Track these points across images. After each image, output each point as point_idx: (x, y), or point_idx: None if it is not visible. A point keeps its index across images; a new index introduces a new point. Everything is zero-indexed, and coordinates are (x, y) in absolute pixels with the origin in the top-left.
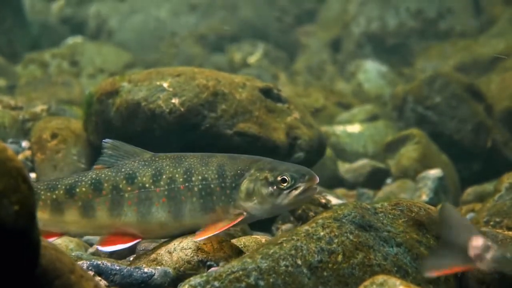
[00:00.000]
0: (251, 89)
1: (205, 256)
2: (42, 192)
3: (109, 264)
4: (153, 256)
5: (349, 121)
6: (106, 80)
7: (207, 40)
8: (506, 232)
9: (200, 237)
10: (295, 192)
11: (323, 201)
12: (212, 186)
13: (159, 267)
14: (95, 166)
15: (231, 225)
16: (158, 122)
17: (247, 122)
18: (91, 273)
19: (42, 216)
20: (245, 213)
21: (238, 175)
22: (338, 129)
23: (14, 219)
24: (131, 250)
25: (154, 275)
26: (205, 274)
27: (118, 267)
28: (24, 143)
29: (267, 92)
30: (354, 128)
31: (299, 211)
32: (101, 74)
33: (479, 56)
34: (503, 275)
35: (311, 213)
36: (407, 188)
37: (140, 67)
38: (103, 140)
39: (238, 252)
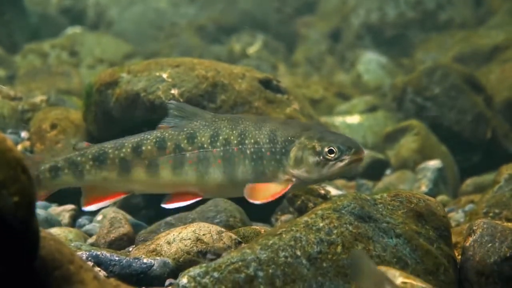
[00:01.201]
0: (250, 80)
1: (204, 246)
2: (110, 151)
3: (108, 254)
4: (153, 246)
5: (349, 112)
6: (106, 70)
7: (207, 31)
8: (505, 223)
9: (256, 201)
10: (341, 164)
11: (323, 192)
12: (263, 150)
13: (158, 258)
14: (159, 126)
15: (284, 191)
16: (157, 112)
17: (246, 112)
18: (90, 263)
19: (110, 175)
20: (294, 179)
21: (288, 142)
22: (338, 120)
23: (13, 210)
24: (130, 241)
25: (153, 265)
26: (204, 264)
27: (117, 258)
28: (24, 134)
29: (266, 83)
30: (354, 119)
31: (299, 202)
32: (101, 64)
33: (478, 47)
34: (502, 266)
35: (311, 204)
36: (407, 179)
37: (139, 57)
38: (168, 101)
39: (237, 243)
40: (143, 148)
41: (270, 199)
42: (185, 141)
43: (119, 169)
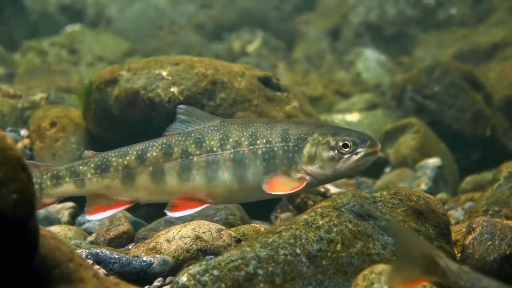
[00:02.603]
0: (250, 77)
1: (204, 244)
2: (113, 159)
3: (108, 252)
4: (152, 244)
5: (348, 110)
6: (105, 68)
7: (206, 28)
8: (504, 221)
9: (274, 191)
10: (356, 157)
11: (322, 190)
12: (275, 149)
13: (158, 256)
14: (166, 133)
15: (298, 188)
16: (157, 110)
17: (246, 110)
18: (90, 261)
19: (113, 183)
20: (307, 177)
21: (301, 139)
22: (337, 117)
23: (13, 208)
24: (130, 239)
25: (153, 263)
26: (204, 262)
27: (117, 256)
28: (23, 132)
29: (266, 81)
30: (353, 116)
31: (298, 200)
32: (100, 62)
33: (478, 45)
34: (502, 264)
35: (310, 202)
36: (406, 177)
37: (139, 55)
38: (178, 106)
39: (237, 241)
40: (148, 154)
41: (289, 192)
42: (193, 146)
43: (122, 177)
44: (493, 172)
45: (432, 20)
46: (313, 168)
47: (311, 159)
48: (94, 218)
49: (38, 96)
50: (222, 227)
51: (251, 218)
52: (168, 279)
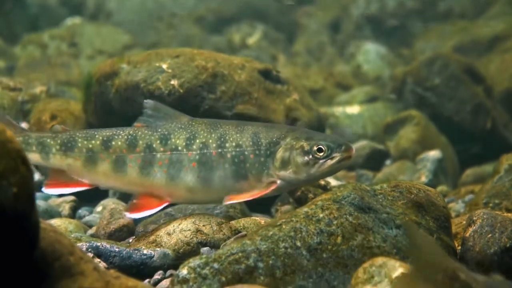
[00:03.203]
0: (250, 70)
1: (204, 237)
2: (80, 140)
3: (108, 246)
4: (152, 238)
5: (349, 102)
6: (105, 61)
7: (206, 21)
8: (505, 214)
9: (231, 201)
10: (331, 162)
11: (323, 182)
12: (246, 153)
13: (158, 249)
14: (135, 124)
15: (265, 192)
16: None
17: (246, 103)
18: (90, 255)
19: (75, 164)
20: (278, 182)
21: (274, 143)
22: (338, 110)
23: (13, 201)
24: (130, 232)
25: (153, 256)
26: (204, 255)
27: (117, 249)
28: (23, 125)
29: (266, 74)
30: (354, 109)
31: (299, 193)
32: (100, 55)
33: (478, 37)
34: (502, 256)
35: (310, 195)
36: (406, 170)
37: (139, 48)
38: (145, 100)
39: (237, 234)
40: (113, 142)
41: (247, 199)
42: (158, 142)
43: (84, 159)
44: (493, 164)
45: (432, 12)
46: (286, 173)
47: (285, 164)
48: (50, 192)
49: (38, 89)
50: (223, 220)
51: (252, 211)
52: (169, 272)
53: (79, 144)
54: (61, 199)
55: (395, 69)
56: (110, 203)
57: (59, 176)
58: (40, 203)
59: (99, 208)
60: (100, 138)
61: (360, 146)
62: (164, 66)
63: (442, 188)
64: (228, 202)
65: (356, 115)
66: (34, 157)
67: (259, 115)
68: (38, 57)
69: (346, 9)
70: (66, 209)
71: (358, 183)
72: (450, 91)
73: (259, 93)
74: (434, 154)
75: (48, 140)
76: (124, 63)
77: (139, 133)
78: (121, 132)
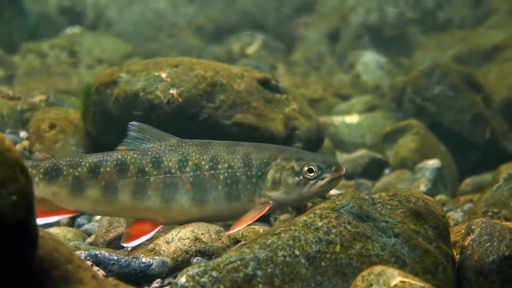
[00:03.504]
0: (249, 79)
1: (203, 246)
2: (64, 168)
3: (107, 254)
4: (151, 246)
5: (348, 112)
6: (105, 70)
7: (206, 30)
8: (504, 223)
9: (234, 230)
10: (321, 182)
11: None
12: (238, 174)
13: (157, 257)
14: (119, 147)
15: (260, 214)
16: (156, 112)
17: (245, 112)
18: (89, 263)
19: (61, 192)
20: (271, 202)
21: (265, 164)
22: (337, 119)
23: (12, 210)
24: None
25: (152, 265)
26: (203, 264)
27: (116, 257)
28: (22, 133)
29: (265, 83)
30: (353, 118)
31: None
32: (100, 64)
33: (477, 47)
34: (501, 265)
35: (309, 203)
36: (405, 179)
37: (138, 57)
38: (129, 123)
39: (236, 242)
40: (102, 169)
41: (246, 224)
42: (150, 165)
43: (71, 187)
44: (492, 173)
45: (432, 22)
46: (277, 194)
47: (276, 184)
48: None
49: (38, 98)
50: (221, 228)
51: None
52: (167, 280)
53: (64, 173)
54: None
55: (394, 79)
56: None
57: (41, 204)
58: None
59: (98, 217)
60: (87, 165)
61: (359, 155)
62: (163, 75)
63: (441, 197)
64: (231, 232)
65: (355, 124)
66: None
67: (258, 124)
68: (38, 66)
69: (345, 19)
70: (64, 217)
71: (356, 192)
72: (449, 101)
73: (258, 102)
74: (433, 163)
75: (30, 170)
76: (123, 72)
77: (128, 157)
78: (109, 158)
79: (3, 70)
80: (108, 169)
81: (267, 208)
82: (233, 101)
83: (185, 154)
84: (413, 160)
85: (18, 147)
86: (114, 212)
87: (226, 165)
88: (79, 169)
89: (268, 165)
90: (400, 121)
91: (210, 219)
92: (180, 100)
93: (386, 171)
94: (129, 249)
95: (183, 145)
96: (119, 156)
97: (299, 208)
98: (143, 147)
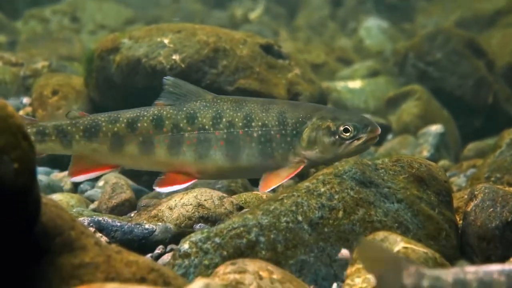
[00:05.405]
0: (252, 45)
1: (206, 212)
2: (104, 124)
3: (110, 220)
4: (154, 212)
5: (350, 77)
6: (107, 36)
7: None
8: (506, 188)
9: (267, 189)
10: (357, 143)
11: None
12: (272, 132)
13: (160, 223)
14: (156, 102)
15: (295, 173)
16: (158, 78)
17: (247, 78)
18: (92, 229)
19: (101, 148)
20: (305, 161)
21: (300, 123)
22: (339, 85)
23: (14, 176)
24: (132, 206)
25: (155, 231)
26: (206, 230)
27: (119, 224)
28: (25, 100)
29: (267, 48)
30: (355, 84)
31: None
32: (102, 30)
33: (480, 12)
34: (503, 230)
35: (312, 169)
36: (408, 144)
37: (141, 23)
38: (165, 77)
39: (239, 208)
40: (139, 124)
41: (285, 180)
42: (184, 121)
43: (111, 143)
44: (495, 139)
45: None
46: (312, 153)
47: (311, 144)
48: (77, 179)
49: (40, 64)
50: (224, 194)
51: (253, 186)
52: (169, 246)
53: (104, 129)
54: (63, 174)
55: (397, 44)
56: (112, 177)
57: (82, 162)
58: (42, 178)
59: (101, 183)
60: (125, 120)
61: None
62: (166, 41)
63: (444, 162)
64: (264, 190)
65: (358, 89)
66: (54, 146)
67: (260, 90)
68: (40, 32)
69: None
70: (68, 183)
71: (359, 157)
72: (452, 66)
73: (261, 67)
74: (436, 128)
75: (69, 128)
76: (126, 38)
77: (164, 113)
78: (145, 113)
79: (6, 36)
80: (145, 124)
81: (302, 167)
82: (235, 67)
83: (219, 111)
84: (416, 125)
85: (21, 113)
86: (151, 167)
87: (260, 123)
88: (118, 125)
89: (303, 124)
90: (403, 86)
91: (244, 176)
92: (182, 65)
93: (389, 136)
94: (132, 215)
95: (218, 101)
96: (156, 112)
97: (302, 173)
98: (178, 103)
